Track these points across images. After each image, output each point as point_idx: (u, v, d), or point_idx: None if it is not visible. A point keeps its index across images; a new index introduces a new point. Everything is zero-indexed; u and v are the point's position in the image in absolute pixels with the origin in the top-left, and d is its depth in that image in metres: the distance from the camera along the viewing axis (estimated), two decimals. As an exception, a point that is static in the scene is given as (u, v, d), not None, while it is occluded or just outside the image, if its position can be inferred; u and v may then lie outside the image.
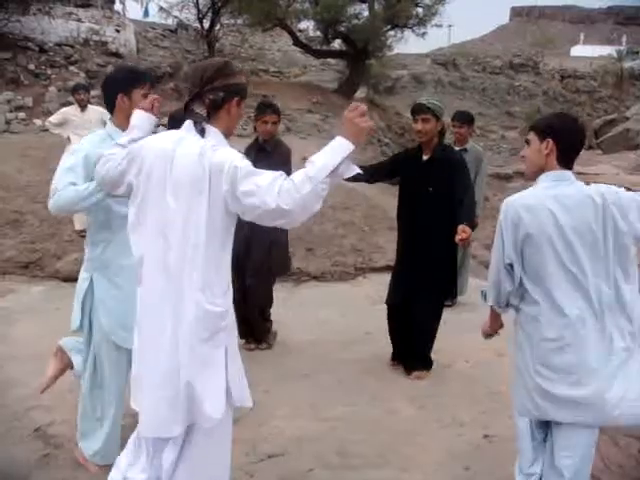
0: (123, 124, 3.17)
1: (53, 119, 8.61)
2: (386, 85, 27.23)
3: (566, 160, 2.91)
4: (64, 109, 8.77)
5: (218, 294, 2.55)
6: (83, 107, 8.35)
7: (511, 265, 2.85)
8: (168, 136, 2.68)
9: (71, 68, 17.11)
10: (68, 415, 4.21)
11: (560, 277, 2.77)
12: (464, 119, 6.64)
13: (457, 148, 6.06)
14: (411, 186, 4.75)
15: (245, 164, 2.47)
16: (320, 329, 5.89)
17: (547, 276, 2.78)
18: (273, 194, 2.34)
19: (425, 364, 4.91)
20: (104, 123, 8.52)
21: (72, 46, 18.17)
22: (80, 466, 3.64)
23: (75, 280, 6.91)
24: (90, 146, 3.22)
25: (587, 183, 4.17)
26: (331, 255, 8.47)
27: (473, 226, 4.60)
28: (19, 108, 15.00)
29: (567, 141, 2.84)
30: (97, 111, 8.39)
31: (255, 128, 5.24)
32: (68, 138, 8.23)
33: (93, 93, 16.05)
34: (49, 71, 16.82)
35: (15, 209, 8.64)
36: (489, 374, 4.93)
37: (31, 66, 16.73)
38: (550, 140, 2.91)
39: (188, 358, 2.51)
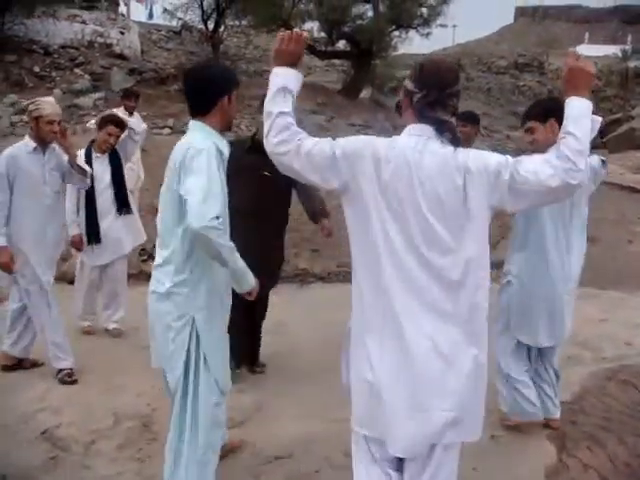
0: (219, 125, 3.15)
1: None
2: (391, 85, 27.18)
3: None
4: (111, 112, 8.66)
5: None
6: (130, 113, 8.15)
7: None
8: (405, 142, 2.38)
9: (76, 70, 17.14)
10: (75, 417, 4.23)
11: None
12: (468, 119, 6.58)
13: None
14: None
15: (506, 157, 2.36)
16: (326, 330, 5.85)
17: None
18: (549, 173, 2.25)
19: None
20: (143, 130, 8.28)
21: (77, 48, 18.22)
22: (88, 468, 3.65)
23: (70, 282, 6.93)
24: (205, 144, 2.99)
25: None
26: (337, 256, 8.44)
27: None
28: (24, 111, 15.02)
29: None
30: (138, 118, 8.33)
31: None
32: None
33: (98, 95, 16.19)
34: (54, 73, 16.87)
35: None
36: (494, 373, 4.90)
37: (36, 68, 16.77)
38: (552, 120, 3.42)
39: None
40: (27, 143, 4.68)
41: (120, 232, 5.76)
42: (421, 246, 2.28)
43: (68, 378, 4.78)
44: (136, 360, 4.99)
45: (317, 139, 2.41)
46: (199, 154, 2.91)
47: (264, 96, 2.51)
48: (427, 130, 2.37)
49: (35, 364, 5.08)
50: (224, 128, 3.19)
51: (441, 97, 2.38)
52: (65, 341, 4.86)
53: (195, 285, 3.03)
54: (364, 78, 23.46)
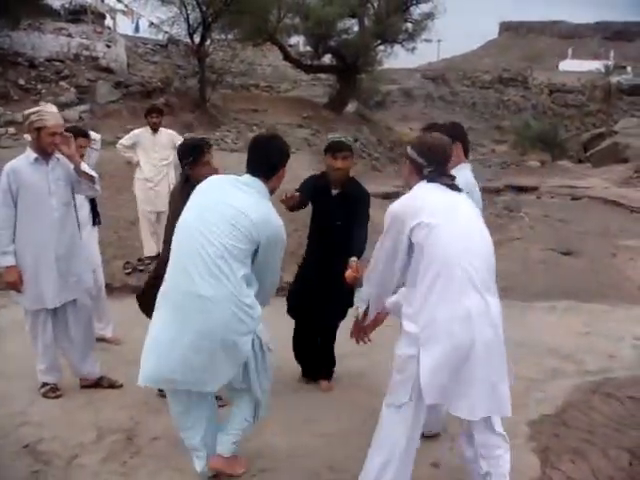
0: (271, 191, 3.57)
1: (125, 141, 8.23)
2: (376, 99, 27.39)
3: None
4: (136, 131, 8.33)
5: None
6: (155, 130, 8.08)
7: None
8: (439, 193, 3.24)
9: (61, 83, 17.14)
10: (58, 432, 4.19)
11: None
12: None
13: None
14: (322, 219, 4.86)
15: None
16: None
17: None
18: None
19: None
20: (175, 147, 8.50)
21: (62, 61, 18.20)
22: (70, 483, 3.61)
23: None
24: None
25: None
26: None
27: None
28: (9, 123, 14.97)
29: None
30: (168, 134, 8.21)
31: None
32: (138, 162, 8.05)
33: (84, 108, 16.17)
34: (39, 86, 16.85)
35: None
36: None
37: (21, 81, 16.74)
38: (457, 142, 4.03)
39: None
40: (28, 155, 4.50)
41: (93, 244, 5.74)
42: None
43: (52, 393, 4.73)
44: (118, 374, 4.97)
45: None
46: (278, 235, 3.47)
47: None
48: None
49: (112, 385, 4.96)
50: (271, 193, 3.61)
51: (445, 169, 3.33)
52: (56, 356, 4.82)
53: None
54: (349, 92, 23.61)
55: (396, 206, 3.24)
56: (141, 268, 7.95)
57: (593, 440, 4.07)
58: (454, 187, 3.29)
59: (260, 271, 3.45)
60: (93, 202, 5.73)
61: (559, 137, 28.76)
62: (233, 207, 3.32)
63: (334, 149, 4.76)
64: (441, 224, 3.07)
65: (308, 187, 4.82)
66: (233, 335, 3.27)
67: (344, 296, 4.71)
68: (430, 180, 3.25)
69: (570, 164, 24.81)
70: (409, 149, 3.38)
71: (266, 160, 3.52)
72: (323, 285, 4.72)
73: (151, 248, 8.18)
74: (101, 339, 6.01)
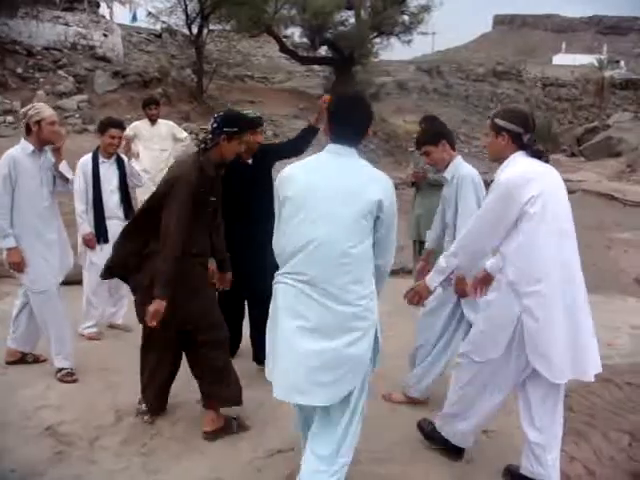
0: None
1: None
2: (370, 92, 27.44)
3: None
4: (134, 123, 8.42)
5: None
6: (153, 121, 8.15)
7: None
8: (538, 162, 3.42)
9: (59, 72, 17.17)
10: (78, 414, 4.31)
11: None
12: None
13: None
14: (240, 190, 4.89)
15: None
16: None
17: None
18: None
19: None
20: (174, 137, 8.53)
21: (60, 50, 18.21)
22: (94, 463, 3.74)
23: (74, 283, 7.03)
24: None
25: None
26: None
27: None
28: (7, 112, 15.02)
29: None
30: (167, 125, 8.31)
31: None
32: (137, 154, 7.99)
33: (82, 97, 16.20)
34: (37, 75, 16.88)
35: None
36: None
37: (19, 70, 16.76)
38: (443, 141, 4.41)
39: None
40: (25, 146, 4.76)
41: None
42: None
43: (69, 377, 4.86)
44: (133, 359, 5.08)
45: None
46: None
47: None
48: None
49: (37, 359, 5.17)
50: None
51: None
52: (69, 340, 4.96)
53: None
54: (345, 84, 23.68)
55: (511, 179, 3.31)
56: (145, 254, 8.05)
57: (594, 423, 4.24)
58: (542, 154, 3.48)
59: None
60: (126, 195, 5.92)
61: (552, 130, 28.97)
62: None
63: (256, 124, 4.88)
64: (552, 192, 3.32)
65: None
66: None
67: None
68: (529, 148, 3.43)
69: (563, 157, 25.04)
70: (500, 121, 3.46)
71: (366, 124, 3.24)
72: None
73: None
74: (111, 326, 6.16)
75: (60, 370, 4.90)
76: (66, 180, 5.00)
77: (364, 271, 3.05)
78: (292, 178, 3.12)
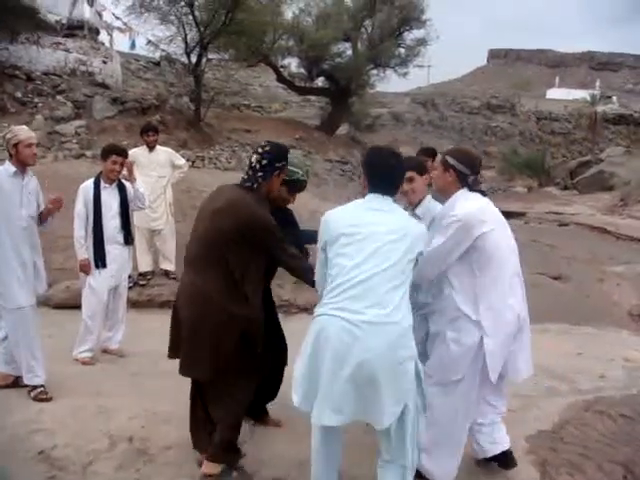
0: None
1: None
2: (366, 123, 27.66)
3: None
4: (132, 150, 8.14)
5: None
6: (151, 148, 8.16)
7: None
8: (483, 200, 3.75)
9: (58, 97, 17.23)
10: (70, 439, 4.28)
11: None
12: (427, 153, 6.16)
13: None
14: None
15: None
16: (312, 359, 6.00)
17: None
18: None
19: None
20: (172, 164, 8.67)
21: (59, 75, 18.30)
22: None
23: (65, 307, 7.02)
24: None
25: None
26: (319, 288, 8.61)
27: None
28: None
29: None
30: (166, 152, 8.36)
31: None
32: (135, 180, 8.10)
33: (80, 123, 16.28)
34: (36, 99, 16.93)
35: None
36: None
37: (18, 94, 16.82)
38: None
39: None
40: (7, 168, 4.87)
41: (123, 258, 6.00)
42: None
43: (43, 396, 4.86)
44: (125, 384, 5.09)
45: None
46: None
47: None
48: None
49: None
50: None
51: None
52: (41, 359, 4.97)
53: None
54: (341, 115, 23.88)
55: (463, 217, 3.56)
56: (142, 283, 8.07)
57: (588, 454, 4.23)
58: (484, 193, 3.80)
59: None
60: (127, 220, 6.01)
61: (546, 164, 29.20)
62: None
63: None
64: (495, 229, 3.62)
65: None
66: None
67: None
68: (471, 188, 3.74)
69: (557, 191, 25.23)
70: (451, 159, 3.77)
71: (400, 176, 3.48)
72: None
73: (147, 263, 8.28)
74: (105, 351, 6.16)
75: (34, 389, 4.90)
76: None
77: None
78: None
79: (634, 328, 7.95)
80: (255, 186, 3.82)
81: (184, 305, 3.83)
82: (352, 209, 3.36)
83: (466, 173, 3.73)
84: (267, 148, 3.87)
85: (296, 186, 4.21)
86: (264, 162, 3.81)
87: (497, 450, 3.83)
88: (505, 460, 3.85)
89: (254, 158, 3.86)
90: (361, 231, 3.19)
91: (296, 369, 3.33)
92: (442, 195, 3.89)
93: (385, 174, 3.34)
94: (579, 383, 5.76)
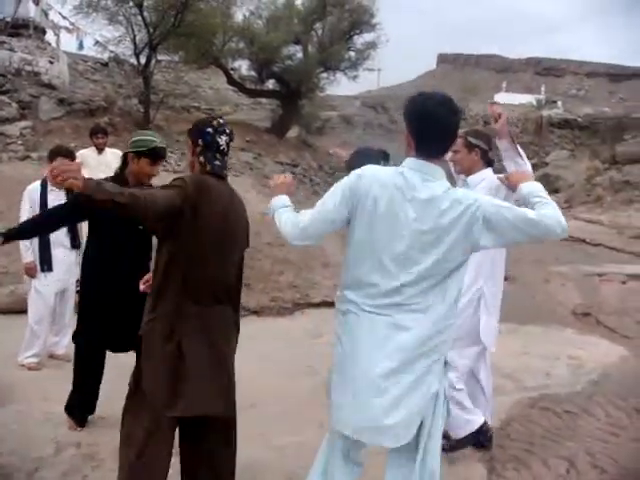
0: None
1: None
2: (316, 126, 27.71)
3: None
4: (81, 151, 8.39)
5: None
6: (100, 150, 8.20)
7: None
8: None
9: (2, 97, 16.84)
10: (16, 446, 4.21)
11: None
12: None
13: None
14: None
15: None
16: (263, 362, 6.01)
17: None
18: None
19: None
20: None
21: (4, 75, 17.89)
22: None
23: (10, 312, 6.91)
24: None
25: None
26: (269, 290, 8.63)
27: None
28: (-53, 137, 14.68)
29: None
30: (114, 154, 8.19)
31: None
32: None
33: (25, 124, 15.93)
34: (-21, 100, 16.54)
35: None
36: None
37: (-40, 95, 16.43)
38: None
39: None
40: None
41: (70, 261, 5.92)
42: None
43: None
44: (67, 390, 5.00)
45: None
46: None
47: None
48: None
49: None
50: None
51: None
52: None
53: None
54: (292, 117, 23.87)
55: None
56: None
57: (534, 450, 4.34)
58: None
59: None
60: (74, 225, 5.90)
61: (493, 167, 29.67)
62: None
63: (157, 155, 4.24)
64: None
65: None
66: None
67: None
68: (492, 164, 4.20)
69: (504, 193, 25.64)
70: (473, 139, 4.16)
71: (454, 130, 2.81)
72: None
73: None
74: (52, 356, 6.06)
75: None
76: None
77: None
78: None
79: (578, 327, 8.16)
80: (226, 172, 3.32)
81: (220, 340, 3.39)
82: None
83: (486, 149, 4.13)
84: (228, 125, 3.31)
85: (158, 155, 4.18)
86: (230, 142, 3.31)
87: None
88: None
89: (223, 140, 3.24)
90: None
91: None
92: (468, 175, 4.14)
93: (432, 131, 2.77)
94: (525, 381, 5.89)
